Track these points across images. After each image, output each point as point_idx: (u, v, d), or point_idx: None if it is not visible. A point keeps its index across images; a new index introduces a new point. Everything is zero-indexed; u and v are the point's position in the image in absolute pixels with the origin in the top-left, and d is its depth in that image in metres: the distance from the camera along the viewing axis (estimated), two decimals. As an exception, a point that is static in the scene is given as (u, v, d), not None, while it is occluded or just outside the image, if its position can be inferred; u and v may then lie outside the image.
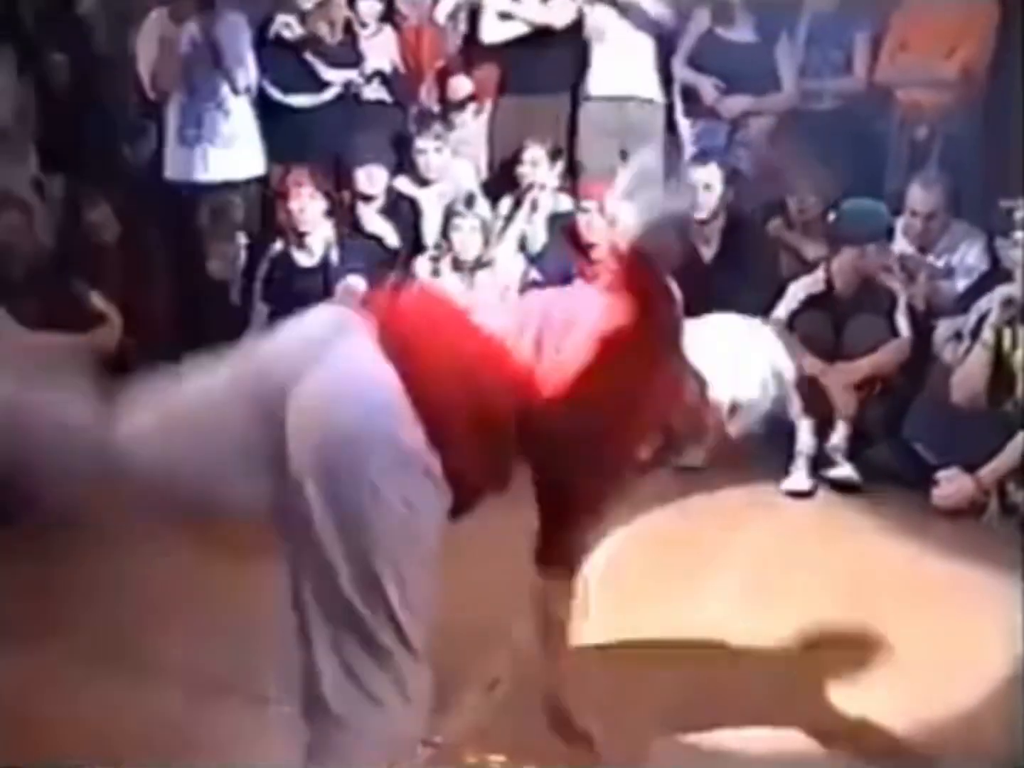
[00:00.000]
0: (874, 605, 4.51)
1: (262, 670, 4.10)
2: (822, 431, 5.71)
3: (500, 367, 2.84)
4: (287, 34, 7.09)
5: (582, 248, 6.57)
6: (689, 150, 6.99)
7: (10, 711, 3.92)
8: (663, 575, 4.79)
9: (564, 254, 6.64)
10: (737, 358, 3.25)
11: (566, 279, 6.41)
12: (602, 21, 7.13)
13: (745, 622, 4.38)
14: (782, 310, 5.78)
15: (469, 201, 6.78)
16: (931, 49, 6.65)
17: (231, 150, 7.05)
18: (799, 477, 5.65)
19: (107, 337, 6.10)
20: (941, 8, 6.67)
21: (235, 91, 7.00)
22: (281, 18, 7.10)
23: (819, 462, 5.71)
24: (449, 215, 6.70)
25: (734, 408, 3.19)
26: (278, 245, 6.69)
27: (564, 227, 6.75)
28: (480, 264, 6.59)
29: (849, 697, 3.90)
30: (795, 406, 5.37)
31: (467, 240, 6.56)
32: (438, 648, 4.12)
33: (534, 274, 6.64)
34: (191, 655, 4.23)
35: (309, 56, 7.12)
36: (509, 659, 4.19)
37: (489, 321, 2.91)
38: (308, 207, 6.55)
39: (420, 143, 7.02)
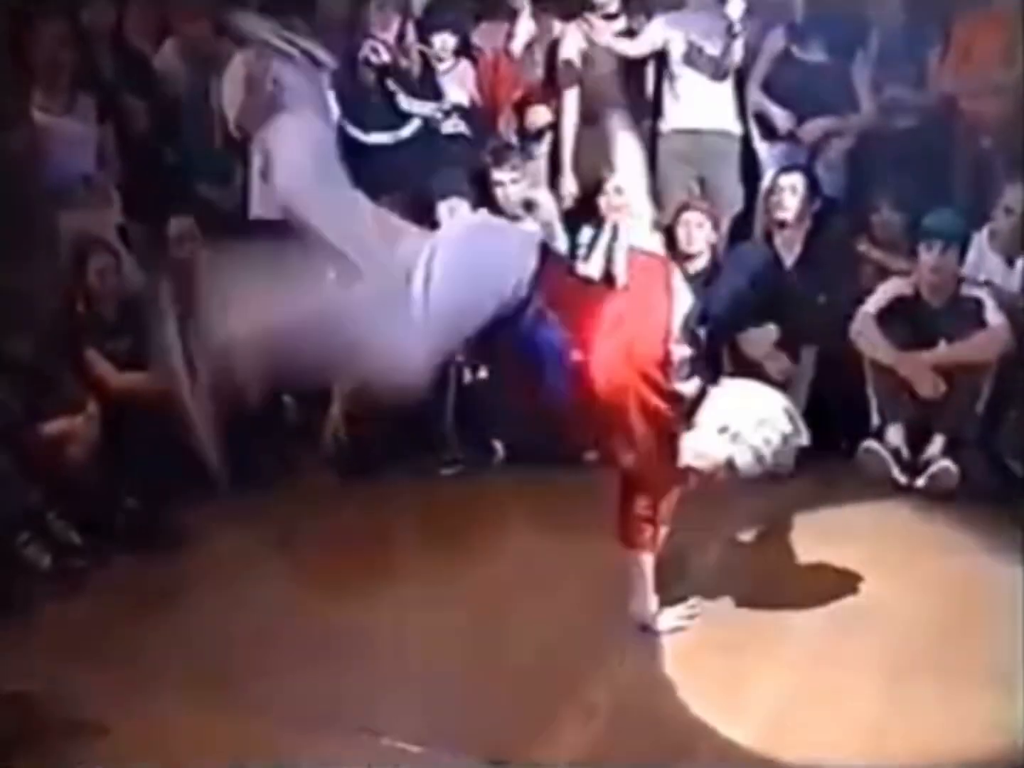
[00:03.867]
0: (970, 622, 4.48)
1: (368, 700, 4.16)
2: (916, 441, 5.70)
3: None
4: (373, 59, 7.14)
5: (680, 258, 6.59)
6: (770, 172, 6.97)
7: (100, 729, 4.01)
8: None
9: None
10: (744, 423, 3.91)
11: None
12: (676, 53, 7.16)
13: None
14: (871, 305, 5.89)
15: (529, 206, 6.76)
16: (991, 57, 6.61)
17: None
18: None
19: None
20: (999, 16, 6.61)
21: (317, 131, 7.03)
22: (369, 43, 7.13)
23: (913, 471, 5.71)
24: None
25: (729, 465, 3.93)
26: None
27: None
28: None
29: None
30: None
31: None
32: (538, 671, 4.22)
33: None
34: (293, 683, 4.28)
35: (391, 84, 7.16)
36: (608, 688, 4.21)
37: None
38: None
39: (497, 175, 7.02)
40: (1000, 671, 4.10)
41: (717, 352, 6.19)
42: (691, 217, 6.64)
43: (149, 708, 4.18)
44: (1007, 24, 6.57)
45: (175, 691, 4.27)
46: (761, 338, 6.13)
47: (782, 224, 6.33)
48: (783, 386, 5.91)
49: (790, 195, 6.32)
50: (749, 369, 5.99)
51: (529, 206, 6.71)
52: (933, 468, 5.63)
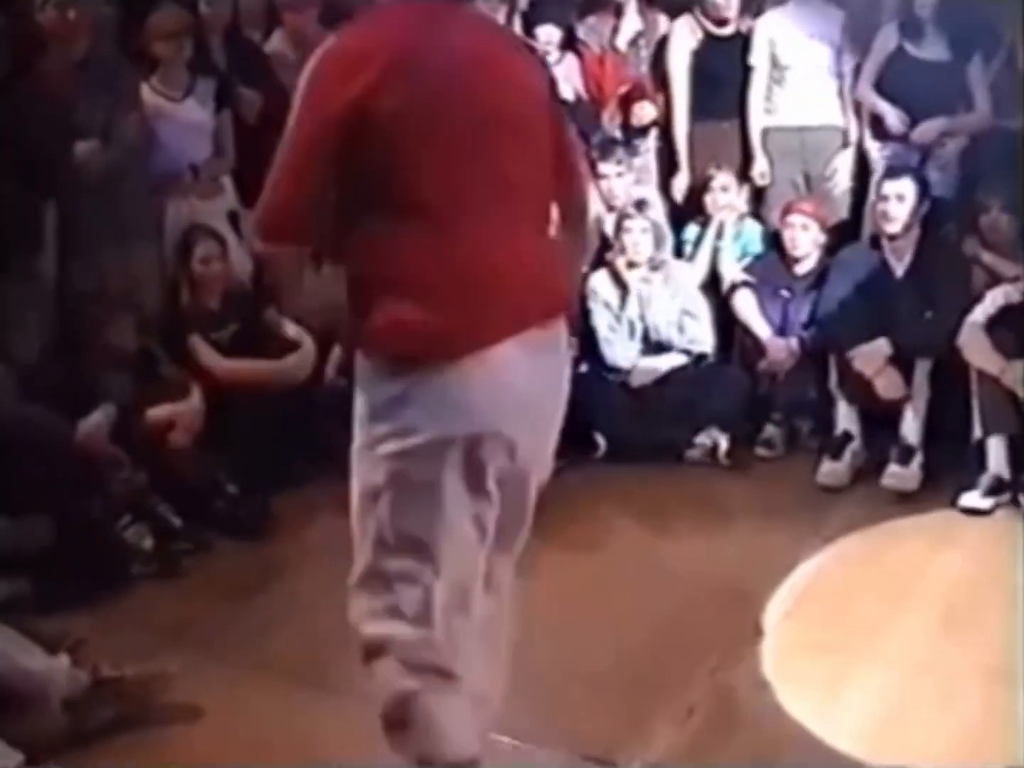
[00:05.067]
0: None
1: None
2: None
3: None
4: None
5: (788, 261, 6.62)
6: (879, 170, 6.87)
7: (194, 713, 4.07)
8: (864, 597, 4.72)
9: (771, 269, 6.68)
10: None
11: (771, 288, 6.60)
12: (784, 48, 7.10)
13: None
14: (979, 314, 5.73)
15: (640, 205, 6.75)
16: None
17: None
18: (975, 495, 5.55)
19: (300, 364, 6.22)
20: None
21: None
22: None
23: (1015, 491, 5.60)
24: (620, 219, 6.70)
25: None
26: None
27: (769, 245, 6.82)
28: (653, 265, 6.60)
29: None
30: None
31: (638, 240, 6.56)
32: (638, 672, 4.20)
33: (744, 276, 6.71)
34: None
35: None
36: (707, 688, 4.18)
37: None
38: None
39: (603, 168, 7.01)
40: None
41: (824, 362, 6.13)
42: (796, 219, 6.60)
43: (242, 694, 4.23)
44: None
45: (268, 678, 4.32)
46: (873, 354, 6.00)
47: (891, 236, 6.18)
48: (896, 406, 5.90)
49: (896, 204, 6.12)
50: (857, 386, 5.96)
51: (640, 205, 6.68)
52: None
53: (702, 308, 6.61)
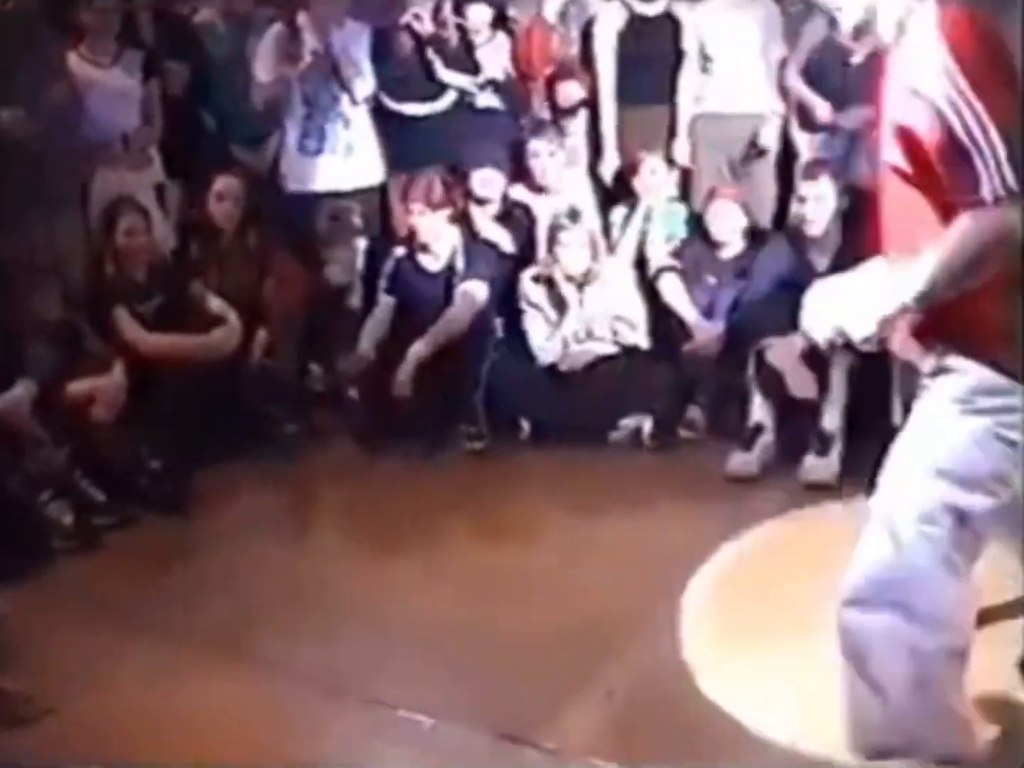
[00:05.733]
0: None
1: (381, 671, 4.17)
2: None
3: None
4: (416, 26, 7.14)
5: (712, 244, 6.62)
6: (803, 160, 6.95)
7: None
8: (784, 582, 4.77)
9: (694, 251, 6.67)
10: None
11: (698, 275, 6.58)
12: (713, 37, 7.14)
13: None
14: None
15: (573, 215, 6.75)
16: None
17: (350, 159, 7.12)
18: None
19: (226, 339, 6.19)
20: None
21: (354, 101, 7.07)
22: (413, 10, 7.14)
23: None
24: (554, 230, 6.67)
25: None
26: (400, 250, 6.69)
27: (693, 228, 6.81)
28: (586, 280, 6.58)
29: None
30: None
31: (576, 255, 6.54)
32: (559, 654, 4.22)
33: (670, 261, 6.69)
34: (306, 651, 4.34)
35: (431, 54, 7.16)
36: (627, 671, 4.20)
37: None
38: (432, 220, 6.54)
39: (533, 147, 7.01)
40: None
41: (744, 355, 6.16)
42: (720, 204, 6.61)
43: (166, 667, 4.22)
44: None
45: (192, 651, 4.31)
46: (787, 348, 6.02)
47: (812, 238, 6.23)
48: (811, 408, 5.94)
49: (815, 205, 6.18)
50: (771, 380, 6.00)
51: (574, 216, 6.68)
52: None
53: (638, 311, 6.59)
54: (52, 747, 3.78)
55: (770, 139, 7.20)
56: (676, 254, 6.72)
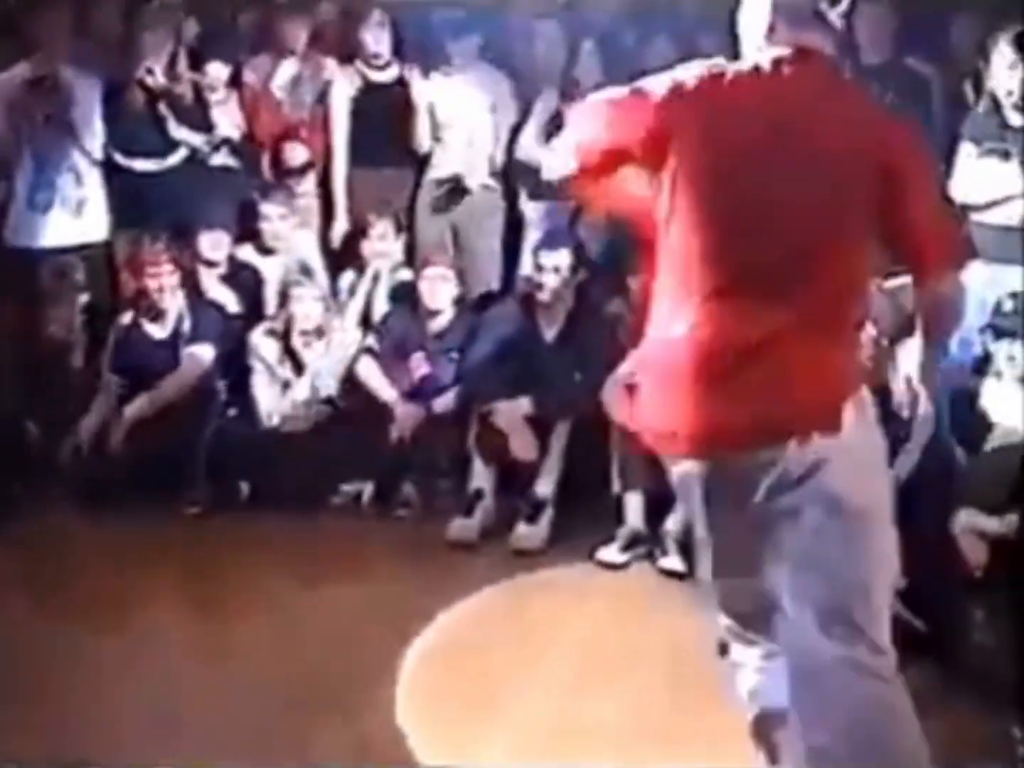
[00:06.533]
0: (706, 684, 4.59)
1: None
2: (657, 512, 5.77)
3: None
4: (148, 80, 7.05)
5: (422, 316, 6.63)
6: (534, 235, 7.04)
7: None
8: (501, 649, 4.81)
9: (403, 323, 6.68)
10: None
11: (404, 350, 6.54)
12: (444, 107, 7.24)
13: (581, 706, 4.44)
14: (623, 369, 5.79)
15: (306, 271, 6.81)
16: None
17: (81, 215, 7.01)
18: (612, 549, 5.72)
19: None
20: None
21: (85, 155, 6.97)
22: (146, 64, 7.05)
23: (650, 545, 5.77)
24: (287, 286, 6.71)
25: None
26: (126, 318, 6.62)
27: (406, 297, 6.81)
28: (320, 333, 6.59)
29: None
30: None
31: (309, 310, 6.56)
32: (271, 722, 4.21)
33: (370, 341, 6.68)
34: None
35: (162, 109, 7.07)
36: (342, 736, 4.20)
37: None
38: (166, 284, 6.50)
39: (265, 210, 7.01)
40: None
41: (464, 421, 6.22)
42: (432, 271, 6.62)
43: None
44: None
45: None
46: (512, 411, 6.11)
47: (545, 304, 6.32)
48: (530, 467, 6.03)
49: (552, 275, 6.25)
50: (492, 445, 6.07)
51: (307, 272, 6.71)
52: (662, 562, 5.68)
53: (361, 371, 6.60)
54: None
55: (494, 207, 7.31)
56: (381, 327, 6.74)
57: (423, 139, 7.24)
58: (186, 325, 6.53)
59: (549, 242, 6.52)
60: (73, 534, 5.88)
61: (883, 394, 4.10)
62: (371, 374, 6.55)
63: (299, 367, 6.55)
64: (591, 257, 6.81)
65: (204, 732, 4.20)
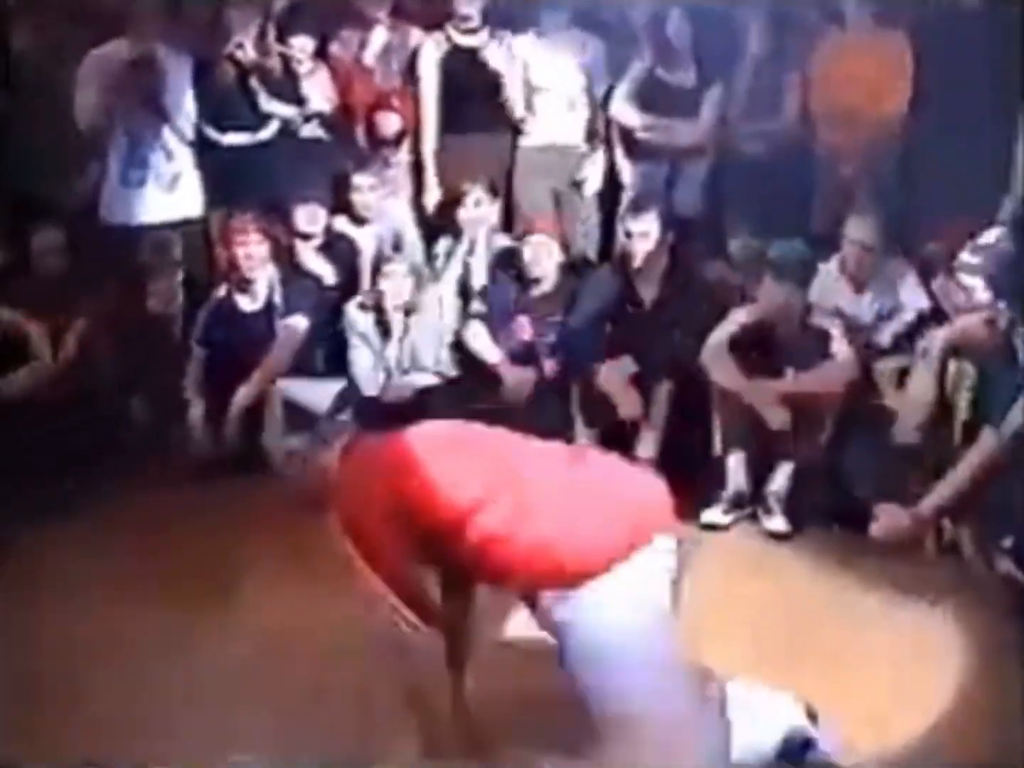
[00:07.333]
0: (809, 642, 4.57)
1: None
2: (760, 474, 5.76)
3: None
4: (239, 55, 7.08)
5: (526, 283, 6.62)
6: (628, 195, 7.03)
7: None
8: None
9: (506, 290, 6.67)
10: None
11: (507, 315, 6.48)
12: (537, 69, 7.21)
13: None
14: (722, 332, 5.84)
15: (397, 246, 6.82)
16: (853, 92, 6.66)
17: (174, 191, 7.06)
18: (716, 511, 5.74)
19: (31, 374, 6.08)
20: (859, 52, 6.70)
21: (176, 132, 7.02)
22: (236, 39, 7.07)
23: (755, 506, 5.79)
24: (379, 261, 6.75)
25: None
26: (221, 290, 6.68)
27: (507, 263, 6.79)
28: (411, 308, 6.60)
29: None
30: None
31: (400, 286, 6.58)
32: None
33: (477, 307, 6.69)
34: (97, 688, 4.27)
35: (254, 83, 7.11)
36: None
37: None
38: (254, 254, 6.55)
39: (356, 181, 7.02)
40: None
41: (567, 385, 6.20)
42: (538, 239, 6.62)
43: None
44: (864, 50, 6.66)
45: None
46: (615, 373, 6.11)
47: (639, 269, 6.31)
48: (634, 426, 6.00)
49: (640, 241, 6.27)
50: (596, 408, 6.04)
51: (397, 246, 6.83)
52: (767, 523, 5.71)
53: (470, 336, 6.64)
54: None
55: (595, 171, 7.26)
56: (484, 293, 6.74)
57: (517, 104, 7.21)
58: (277, 297, 6.57)
59: (636, 208, 6.50)
60: (179, 510, 5.86)
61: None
62: (480, 339, 6.59)
63: (395, 338, 6.58)
64: (688, 217, 6.78)
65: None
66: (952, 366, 5.38)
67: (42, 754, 3.72)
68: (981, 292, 5.35)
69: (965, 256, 5.45)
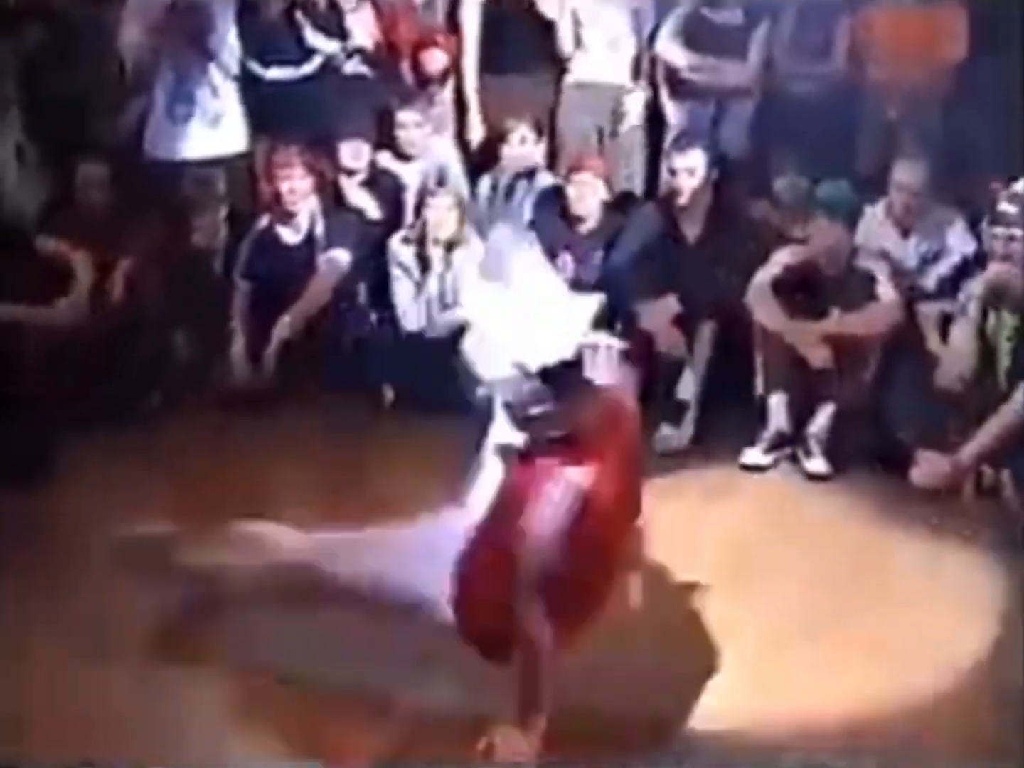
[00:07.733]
0: (850, 587, 4.57)
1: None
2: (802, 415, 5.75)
3: None
4: None
5: (570, 220, 6.58)
6: (673, 132, 7.01)
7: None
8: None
9: (551, 227, 6.54)
10: None
11: (551, 252, 6.47)
12: (583, 6, 7.16)
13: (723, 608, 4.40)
14: (766, 273, 5.84)
15: (441, 181, 6.80)
16: (906, 37, 6.65)
17: (218, 127, 7.09)
18: (756, 451, 5.74)
19: (72, 305, 6.10)
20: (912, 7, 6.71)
21: (221, 68, 7.03)
22: None
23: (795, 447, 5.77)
24: (423, 194, 6.73)
25: None
26: (263, 222, 6.68)
27: (552, 201, 6.72)
28: (454, 243, 6.57)
29: (830, 686, 3.94)
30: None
31: (442, 219, 6.55)
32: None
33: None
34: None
35: (299, 17, 7.11)
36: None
37: None
38: (298, 188, 6.54)
39: (401, 117, 7.00)
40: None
41: (611, 321, 6.19)
42: (582, 176, 6.57)
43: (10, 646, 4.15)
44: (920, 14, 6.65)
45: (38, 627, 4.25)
46: (659, 311, 6.10)
47: (683, 207, 6.28)
48: (677, 364, 6.00)
49: (686, 177, 6.22)
50: (639, 347, 6.03)
51: (442, 180, 6.80)
52: (808, 464, 5.71)
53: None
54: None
55: (637, 109, 7.22)
56: (530, 229, 6.59)
57: (565, 43, 7.17)
58: (319, 229, 6.57)
59: (682, 144, 6.47)
60: (212, 435, 5.95)
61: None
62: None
63: (436, 272, 6.57)
64: (733, 156, 6.75)
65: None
66: (992, 317, 5.39)
67: (42, 754, 3.71)
68: (1018, 241, 5.35)
69: (1003, 205, 5.45)
